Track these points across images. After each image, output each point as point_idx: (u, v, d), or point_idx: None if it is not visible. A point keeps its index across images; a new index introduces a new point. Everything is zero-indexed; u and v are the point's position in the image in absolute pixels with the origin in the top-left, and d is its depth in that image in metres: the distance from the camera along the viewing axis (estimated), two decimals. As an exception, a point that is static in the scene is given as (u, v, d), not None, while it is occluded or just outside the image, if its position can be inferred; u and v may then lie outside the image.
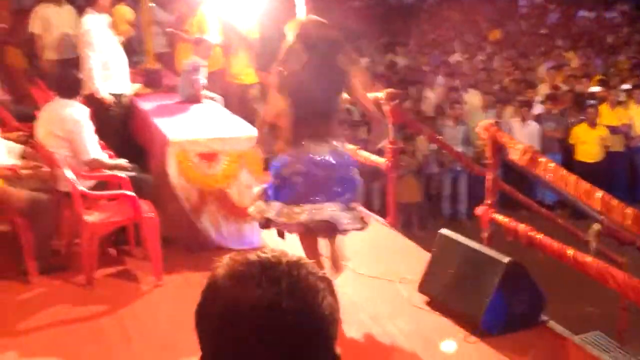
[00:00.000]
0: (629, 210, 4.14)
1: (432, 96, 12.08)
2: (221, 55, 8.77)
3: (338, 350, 1.26)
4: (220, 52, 8.71)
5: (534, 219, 6.73)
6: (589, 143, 10.77)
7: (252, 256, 1.26)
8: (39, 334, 4.68)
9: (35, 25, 9.01)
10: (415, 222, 9.92)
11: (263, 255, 1.26)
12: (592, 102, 11.32)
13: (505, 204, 8.94)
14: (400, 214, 9.44)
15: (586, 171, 9.97)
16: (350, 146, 7.15)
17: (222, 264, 1.28)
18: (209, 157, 5.83)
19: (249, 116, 8.25)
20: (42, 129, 5.72)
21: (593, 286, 4.83)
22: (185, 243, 5.84)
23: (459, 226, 9.00)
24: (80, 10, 8.27)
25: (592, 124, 10.78)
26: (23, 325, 4.77)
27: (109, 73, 7.19)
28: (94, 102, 6.98)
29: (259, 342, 1.19)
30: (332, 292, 1.27)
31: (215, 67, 8.40)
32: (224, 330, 1.22)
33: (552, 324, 4.87)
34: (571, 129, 10.99)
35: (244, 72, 8.63)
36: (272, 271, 1.23)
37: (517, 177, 8.25)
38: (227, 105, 7.85)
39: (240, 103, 8.48)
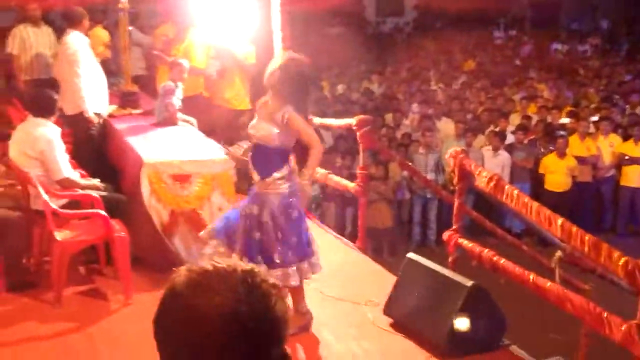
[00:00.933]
0: (588, 237, 4.26)
1: (406, 124, 12.27)
2: (200, 80, 8.81)
3: (288, 350, 1.36)
4: (198, 78, 8.75)
5: (502, 247, 6.87)
6: (557, 173, 10.98)
7: (208, 266, 1.36)
8: (7, 350, 4.70)
9: (13, 46, 9.06)
10: (385, 247, 10.03)
11: (218, 265, 1.36)
12: (562, 132, 11.55)
13: (475, 232, 9.12)
14: (371, 239, 9.55)
15: (554, 200, 10.20)
16: (321, 170, 7.27)
17: (180, 274, 1.37)
18: (182, 178, 5.90)
19: (235, 142, 8.35)
20: (15, 148, 5.77)
21: (557, 313, 4.94)
22: (155, 263, 5.88)
23: (428, 252, 9.12)
24: (58, 32, 8.36)
25: (562, 155, 10.99)
26: (-9, 342, 4.79)
27: (93, 93, 7.26)
28: (75, 122, 7.05)
29: (219, 347, 1.29)
30: (282, 298, 1.38)
31: (194, 91, 8.47)
32: (184, 337, 1.30)
33: (514, 348, 4.97)
34: (541, 159, 11.20)
35: (238, 97, 8.66)
36: (229, 279, 1.33)
37: (487, 206, 8.42)
38: (214, 129, 7.90)
39: (228, 128, 8.52)
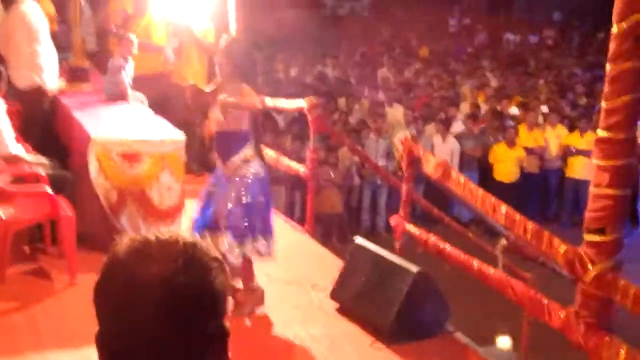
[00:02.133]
0: (531, 226, 4.35)
1: (357, 109, 12.31)
2: (161, 57, 8.69)
3: (227, 324, 1.37)
4: (158, 55, 8.63)
5: (449, 235, 6.97)
6: (506, 163, 11.14)
7: (151, 236, 1.37)
8: (-54, 328, 4.62)
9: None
10: (334, 233, 10.07)
11: (161, 235, 1.37)
12: (511, 122, 11.72)
13: (425, 219, 9.23)
14: (320, 225, 9.59)
15: (502, 190, 10.33)
16: (272, 153, 7.27)
17: (122, 242, 1.37)
18: (131, 157, 5.83)
19: (191, 118, 8.27)
20: (-42, 121, 5.65)
21: (501, 300, 5.03)
22: (102, 242, 5.81)
23: (377, 238, 9.18)
24: (5, 1, 8.15)
25: (511, 144, 11.15)
26: None
27: (47, 66, 7.11)
28: (28, 96, 6.89)
29: (154, 315, 1.29)
30: (224, 272, 1.39)
31: (151, 69, 8.36)
32: (122, 304, 1.31)
33: (458, 335, 5.06)
34: (490, 148, 11.35)
35: (196, 76, 8.56)
36: (169, 249, 1.33)
37: (437, 194, 8.51)
38: (170, 106, 7.81)
39: (184, 107, 8.43)
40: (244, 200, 4.83)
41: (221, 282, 1.36)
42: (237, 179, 4.86)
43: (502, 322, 7.54)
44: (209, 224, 4.89)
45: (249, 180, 4.87)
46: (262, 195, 4.94)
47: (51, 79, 7.08)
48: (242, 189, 4.84)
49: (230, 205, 4.81)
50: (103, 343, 1.35)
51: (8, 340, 4.52)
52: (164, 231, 1.39)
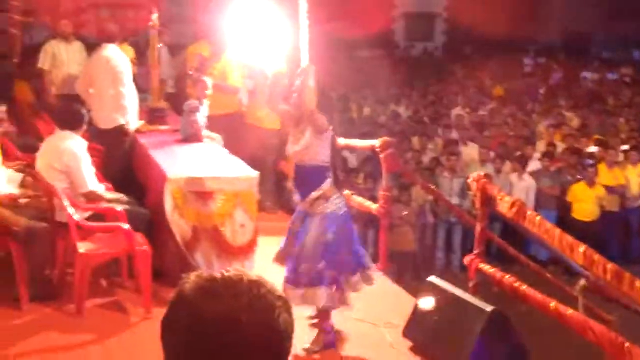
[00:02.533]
0: (610, 266, 4.21)
1: (431, 148, 12.25)
2: (237, 99, 8.86)
3: None
4: (234, 96, 8.81)
5: (526, 275, 6.81)
6: (586, 202, 10.86)
7: (217, 274, 1.38)
8: (27, 359, 4.74)
9: (44, 61, 9.22)
10: (408, 271, 9.97)
11: (227, 273, 1.38)
12: (591, 161, 11.45)
13: (501, 259, 9.05)
14: (394, 263, 9.50)
15: (582, 229, 10.09)
16: (346, 192, 7.28)
17: (189, 279, 1.39)
18: (205, 195, 5.93)
19: (263, 160, 8.39)
20: (42, 160, 5.86)
21: (582, 343, 4.87)
22: (177, 278, 5.88)
23: (451, 277, 9.05)
24: (90, 48, 8.48)
25: (591, 183, 10.88)
26: (12, 351, 4.83)
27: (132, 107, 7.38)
28: (110, 136, 7.13)
29: (219, 353, 1.30)
30: (288, 311, 1.38)
31: (227, 110, 8.54)
32: (188, 341, 1.32)
33: (536, 377, 4.92)
34: (568, 186, 11.10)
35: (269, 117, 8.70)
36: (235, 288, 1.34)
37: (514, 233, 8.36)
38: (245, 146, 7.94)
39: (258, 148, 8.56)
40: (325, 238, 4.82)
41: (285, 320, 1.36)
42: (317, 215, 4.85)
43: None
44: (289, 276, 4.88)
45: (330, 217, 4.85)
46: (344, 231, 4.93)
47: (133, 120, 7.32)
48: (324, 226, 4.82)
49: (309, 243, 4.81)
50: None
51: (85, 373, 4.61)
52: (231, 269, 1.40)
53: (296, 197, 4.98)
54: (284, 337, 1.36)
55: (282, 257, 5.07)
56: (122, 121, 7.19)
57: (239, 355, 1.30)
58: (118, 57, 7.33)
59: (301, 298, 4.78)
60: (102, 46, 7.48)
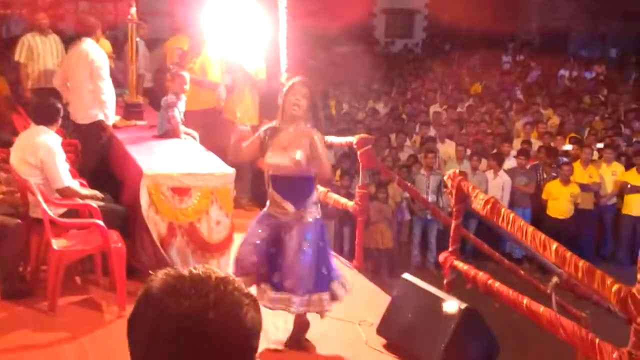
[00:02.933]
0: (581, 263, 4.25)
1: (408, 145, 12.30)
2: (215, 94, 8.82)
3: None
4: (213, 91, 8.77)
5: (501, 272, 6.86)
6: (560, 199, 10.96)
7: (185, 271, 1.38)
8: (-1, 357, 4.72)
9: (20, 54, 9.14)
10: (384, 268, 10.01)
11: (194, 270, 1.38)
12: (565, 159, 11.56)
13: (477, 256, 9.11)
14: (370, 260, 9.55)
15: (556, 227, 10.19)
16: (321, 188, 7.29)
17: (157, 277, 1.39)
18: (181, 191, 5.91)
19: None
20: (16, 155, 5.81)
21: (553, 340, 4.91)
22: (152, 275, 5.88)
23: (427, 274, 9.12)
24: (67, 42, 8.42)
25: (565, 181, 10.97)
26: (-17, 348, 4.81)
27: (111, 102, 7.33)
28: (88, 131, 7.08)
29: (185, 350, 1.30)
30: (256, 308, 1.39)
31: (205, 105, 8.51)
32: (153, 338, 1.32)
33: (508, 374, 4.96)
34: (543, 184, 11.20)
35: (247, 113, 8.68)
36: (202, 285, 1.34)
37: (489, 230, 8.41)
38: (221, 142, 7.90)
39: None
40: (314, 245, 4.80)
41: (252, 318, 1.36)
42: (307, 223, 4.80)
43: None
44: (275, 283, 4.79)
45: (316, 224, 4.83)
46: (323, 239, 4.93)
47: (111, 115, 7.27)
48: (311, 233, 4.80)
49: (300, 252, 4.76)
50: None
51: (57, 370, 4.59)
52: (199, 267, 1.40)
53: (289, 206, 4.81)
54: (251, 334, 1.36)
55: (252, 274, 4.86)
56: (100, 116, 7.13)
57: (205, 352, 1.31)
58: (96, 51, 7.26)
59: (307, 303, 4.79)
60: (81, 40, 7.41)
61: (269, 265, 4.80)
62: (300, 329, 4.99)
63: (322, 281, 4.83)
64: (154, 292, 1.36)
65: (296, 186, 4.81)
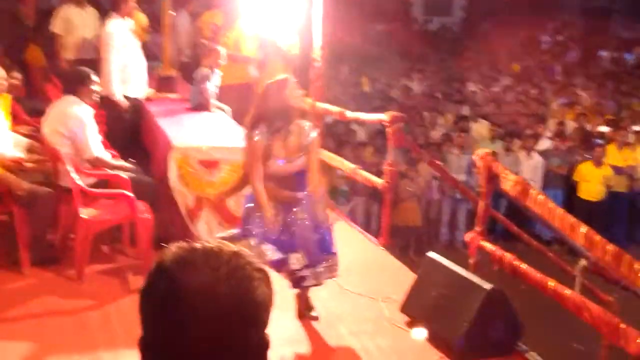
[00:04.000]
0: (610, 247, 4.20)
1: (441, 123, 12.21)
2: (247, 69, 8.81)
3: (268, 336, 1.37)
4: (244, 67, 8.76)
5: (530, 253, 6.81)
6: (592, 182, 10.82)
7: (198, 245, 1.38)
8: (25, 323, 4.79)
9: (56, 25, 9.19)
10: (412, 246, 9.99)
11: (208, 244, 1.38)
12: (599, 141, 11.38)
13: (506, 237, 9.04)
14: (398, 237, 9.53)
15: (587, 209, 10.08)
16: (350, 165, 7.28)
17: (170, 250, 1.39)
18: (210, 164, 5.93)
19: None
20: (48, 125, 5.87)
21: (581, 323, 4.86)
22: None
23: (455, 253, 9.07)
24: (103, 13, 8.46)
25: (598, 163, 10.82)
26: (10, 314, 4.89)
27: (127, 76, 7.35)
28: (106, 103, 7.14)
29: (193, 324, 1.30)
30: (268, 283, 1.38)
31: (239, 80, 8.52)
32: (164, 310, 1.32)
33: (532, 354, 4.91)
34: (576, 166, 11.05)
35: None
36: (213, 259, 1.34)
37: (519, 211, 8.32)
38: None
39: None
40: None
41: (263, 292, 1.35)
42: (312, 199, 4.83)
43: (582, 346, 7.29)
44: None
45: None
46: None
47: (130, 89, 7.31)
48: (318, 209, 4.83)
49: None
50: (143, 350, 1.36)
51: (83, 337, 4.65)
52: (213, 241, 1.40)
53: (300, 194, 4.79)
54: (262, 308, 1.35)
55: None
56: (109, 91, 7.17)
57: (215, 326, 1.30)
58: (112, 26, 7.33)
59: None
60: (109, 14, 7.49)
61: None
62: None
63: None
64: (165, 264, 1.35)
65: (303, 175, 4.80)
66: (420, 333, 4.90)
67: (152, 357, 1.34)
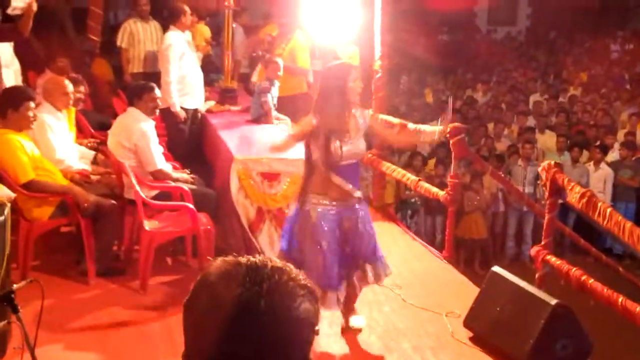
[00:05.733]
0: (683, 262, 4.05)
1: (506, 134, 12.02)
2: (303, 80, 8.83)
3: (311, 355, 1.32)
4: (301, 77, 8.77)
5: (600, 268, 6.61)
6: (667, 194, 10.48)
7: (243, 259, 1.35)
8: (90, 333, 4.86)
9: (122, 40, 9.40)
10: (477, 259, 9.83)
11: (252, 259, 1.35)
12: (673, 152, 11.03)
13: (576, 250, 8.82)
14: (463, 250, 9.41)
15: (661, 223, 9.72)
16: (413, 177, 7.20)
17: (215, 263, 1.37)
18: (271, 176, 5.94)
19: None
20: (113, 138, 5.98)
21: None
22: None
23: (521, 267, 8.90)
24: (166, 27, 8.62)
25: (673, 174, 10.48)
26: (76, 324, 4.97)
27: (186, 88, 7.45)
28: (167, 115, 7.24)
29: (235, 337, 1.27)
30: (312, 300, 1.34)
31: (295, 90, 8.54)
32: (204, 323, 1.30)
33: (602, 373, 4.77)
34: (648, 178, 10.72)
35: None
36: (257, 273, 1.31)
37: (588, 224, 8.11)
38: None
39: None
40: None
41: (306, 309, 1.32)
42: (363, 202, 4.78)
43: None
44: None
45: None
46: None
47: (188, 101, 7.41)
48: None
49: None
50: None
51: (144, 348, 4.70)
52: (260, 256, 1.37)
53: (355, 192, 4.67)
54: (304, 325, 1.32)
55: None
56: (169, 102, 7.26)
57: (255, 341, 1.27)
58: (170, 39, 7.51)
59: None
60: (169, 28, 7.63)
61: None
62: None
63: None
64: (209, 278, 1.34)
65: (356, 168, 4.75)
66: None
67: None
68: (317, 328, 1.36)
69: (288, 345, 1.30)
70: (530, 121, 12.60)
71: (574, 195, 5.04)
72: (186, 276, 5.82)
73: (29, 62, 7.97)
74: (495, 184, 10.06)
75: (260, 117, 7.33)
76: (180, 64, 7.35)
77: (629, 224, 4.56)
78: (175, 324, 5.00)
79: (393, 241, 6.86)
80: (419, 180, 7.12)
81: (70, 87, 6.21)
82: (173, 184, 5.98)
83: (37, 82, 7.74)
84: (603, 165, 10.63)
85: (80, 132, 7.18)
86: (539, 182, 8.68)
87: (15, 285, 3.06)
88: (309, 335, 1.33)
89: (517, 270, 5.35)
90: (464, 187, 9.26)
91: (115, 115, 7.65)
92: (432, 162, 10.47)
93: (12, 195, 4.89)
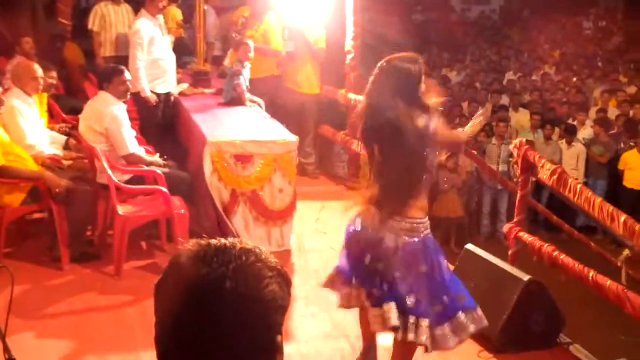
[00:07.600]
0: (652, 237, 4.10)
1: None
2: (275, 62, 8.80)
3: (279, 338, 1.32)
4: (273, 60, 8.75)
5: (572, 244, 6.67)
6: (637, 170, 10.55)
7: (213, 240, 1.35)
8: (65, 319, 4.84)
9: (93, 23, 9.30)
10: (453, 237, 9.89)
11: (223, 240, 1.35)
12: (643, 128, 11.12)
13: (549, 227, 8.90)
14: (439, 229, 9.45)
15: (633, 198, 9.85)
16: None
17: (188, 245, 1.37)
18: (244, 158, 5.92)
19: (301, 124, 8.37)
20: (84, 122, 5.93)
21: (622, 314, 4.74)
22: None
23: (496, 244, 8.96)
24: (138, 9, 8.54)
25: (643, 151, 10.57)
26: (50, 310, 4.95)
27: (157, 72, 7.37)
28: (139, 99, 7.18)
29: (199, 318, 1.27)
30: (280, 283, 1.33)
31: (267, 72, 8.51)
32: (172, 303, 1.30)
33: (575, 347, 4.83)
34: (621, 154, 10.81)
35: (308, 81, 8.64)
36: (224, 254, 1.31)
37: (560, 201, 8.18)
38: (281, 111, 7.91)
39: (296, 112, 8.52)
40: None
41: (272, 292, 1.31)
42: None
43: (629, 337, 7.14)
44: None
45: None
46: None
47: (159, 85, 7.33)
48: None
49: None
50: (156, 344, 1.34)
51: (121, 333, 4.68)
52: (231, 238, 1.37)
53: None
54: (271, 308, 1.31)
55: None
56: (138, 87, 7.18)
57: (221, 322, 1.27)
58: (139, 23, 7.34)
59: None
60: (140, 12, 7.53)
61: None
62: None
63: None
64: (179, 259, 1.34)
65: None
66: None
67: (161, 354, 1.32)
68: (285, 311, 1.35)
69: (253, 327, 1.29)
70: (504, 99, 12.66)
71: (544, 172, 5.09)
72: (161, 260, 5.82)
73: (-2, 47, 7.88)
74: (470, 163, 10.11)
75: (233, 99, 7.30)
76: (151, 49, 7.25)
77: (598, 200, 4.62)
78: (150, 308, 4.86)
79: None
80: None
81: (39, 71, 6.14)
82: (146, 167, 5.95)
83: (6, 67, 7.66)
84: (575, 142, 10.72)
85: (52, 117, 7.12)
86: (511, 159, 8.73)
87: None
88: (276, 318, 1.32)
89: (492, 248, 5.40)
90: (439, 166, 9.27)
91: (87, 100, 7.58)
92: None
93: (-18, 181, 4.85)
